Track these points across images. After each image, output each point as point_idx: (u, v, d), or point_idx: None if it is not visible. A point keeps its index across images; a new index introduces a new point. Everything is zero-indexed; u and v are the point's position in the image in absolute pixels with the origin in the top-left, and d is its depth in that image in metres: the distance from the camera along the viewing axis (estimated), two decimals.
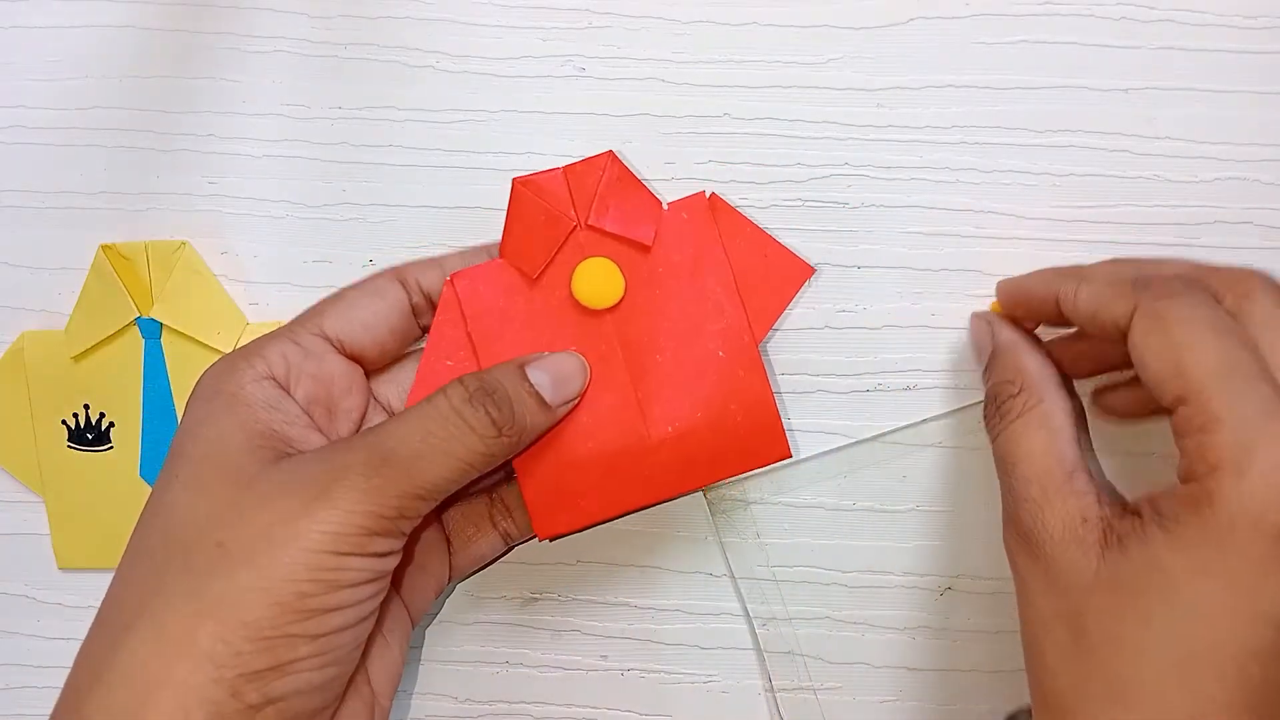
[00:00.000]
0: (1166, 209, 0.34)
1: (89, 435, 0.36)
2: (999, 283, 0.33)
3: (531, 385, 0.29)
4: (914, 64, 0.35)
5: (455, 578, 0.34)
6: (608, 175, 0.31)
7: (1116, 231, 0.35)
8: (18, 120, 0.36)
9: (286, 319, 0.35)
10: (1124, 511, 0.26)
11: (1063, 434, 0.28)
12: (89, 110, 0.36)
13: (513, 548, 0.34)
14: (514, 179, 0.31)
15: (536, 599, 0.36)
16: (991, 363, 0.31)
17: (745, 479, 0.35)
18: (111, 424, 0.36)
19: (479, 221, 0.35)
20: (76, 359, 0.36)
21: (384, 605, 0.29)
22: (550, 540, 0.34)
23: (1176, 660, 0.24)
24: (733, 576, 0.35)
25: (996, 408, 0.29)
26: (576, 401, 0.31)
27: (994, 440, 0.29)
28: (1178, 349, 0.25)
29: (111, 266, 0.35)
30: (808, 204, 0.35)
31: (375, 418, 0.32)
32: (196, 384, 0.29)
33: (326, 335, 0.30)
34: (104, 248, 0.35)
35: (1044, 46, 0.35)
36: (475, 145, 0.35)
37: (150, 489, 0.35)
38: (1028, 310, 0.32)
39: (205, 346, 0.35)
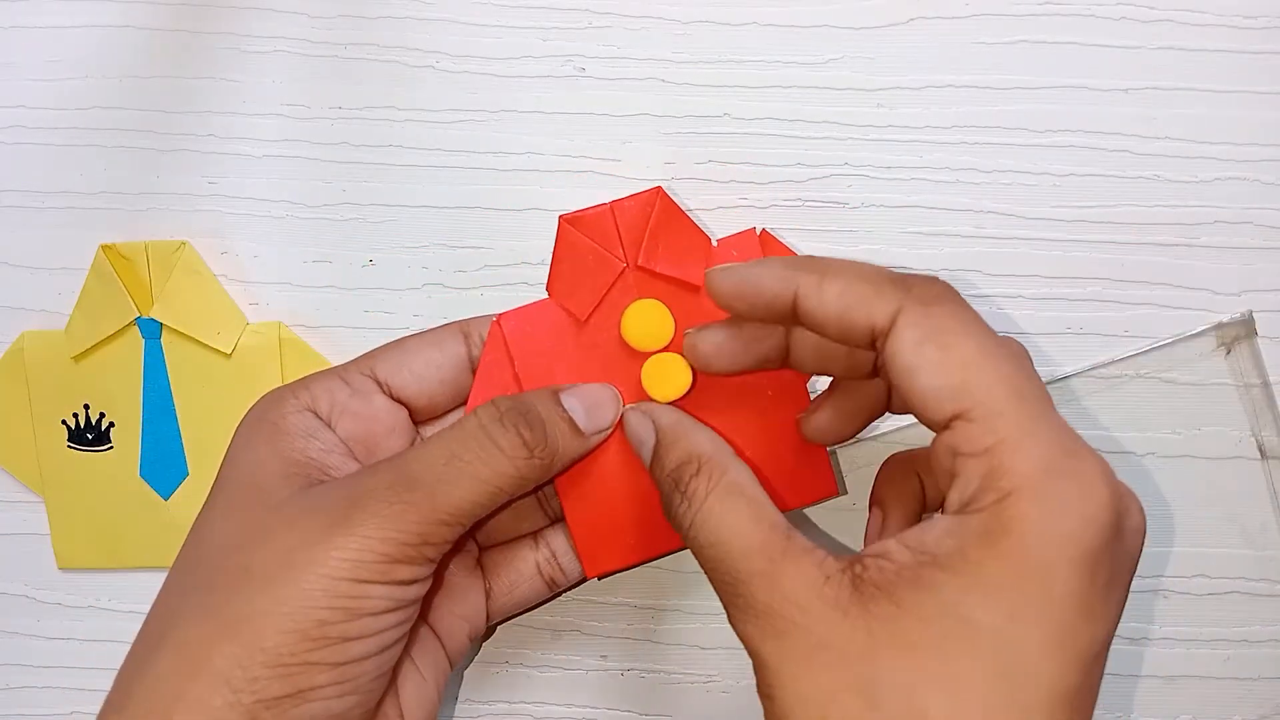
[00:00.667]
0: (1166, 209, 0.34)
1: (89, 435, 0.36)
2: (711, 272, 0.28)
3: (565, 410, 0.29)
4: (914, 64, 0.35)
5: (495, 619, 0.32)
6: (657, 213, 0.31)
7: (1116, 231, 0.35)
8: (18, 120, 0.36)
9: (286, 319, 0.36)
10: (861, 561, 0.23)
11: (761, 499, 0.25)
12: (89, 110, 0.36)
13: (559, 594, 0.33)
14: (560, 217, 0.31)
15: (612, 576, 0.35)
16: (658, 452, 0.28)
17: None
18: (111, 424, 0.36)
19: (479, 221, 0.35)
20: (76, 359, 0.36)
21: (415, 635, 0.29)
22: (599, 579, 0.33)
23: (990, 713, 0.21)
24: None
25: (681, 493, 0.26)
26: (609, 432, 0.30)
27: (688, 531, 0.26)
28: (961, 362, 0.23)
29: (111, 266, 0.35)
30: (808, 204, 0.35)
31: None
32: (246, 413, 0.29)
33: (376, 377, 0.30)
34: (104, 248, 0.35)
35: (1044, 46, 0.34)
36: (475, 145, 0.35)
37: (150, 489, 0.36)
38: (752, 306, 0.27)
39: (205, 346, 0.35)
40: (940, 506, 0.28)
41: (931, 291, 0.24)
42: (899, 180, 0.35)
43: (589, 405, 0.30)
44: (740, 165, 0.35)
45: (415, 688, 0.29)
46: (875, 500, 0.30)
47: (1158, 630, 0.35)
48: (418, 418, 0.31)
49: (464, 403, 0.31)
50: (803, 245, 0.35)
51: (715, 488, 0.26)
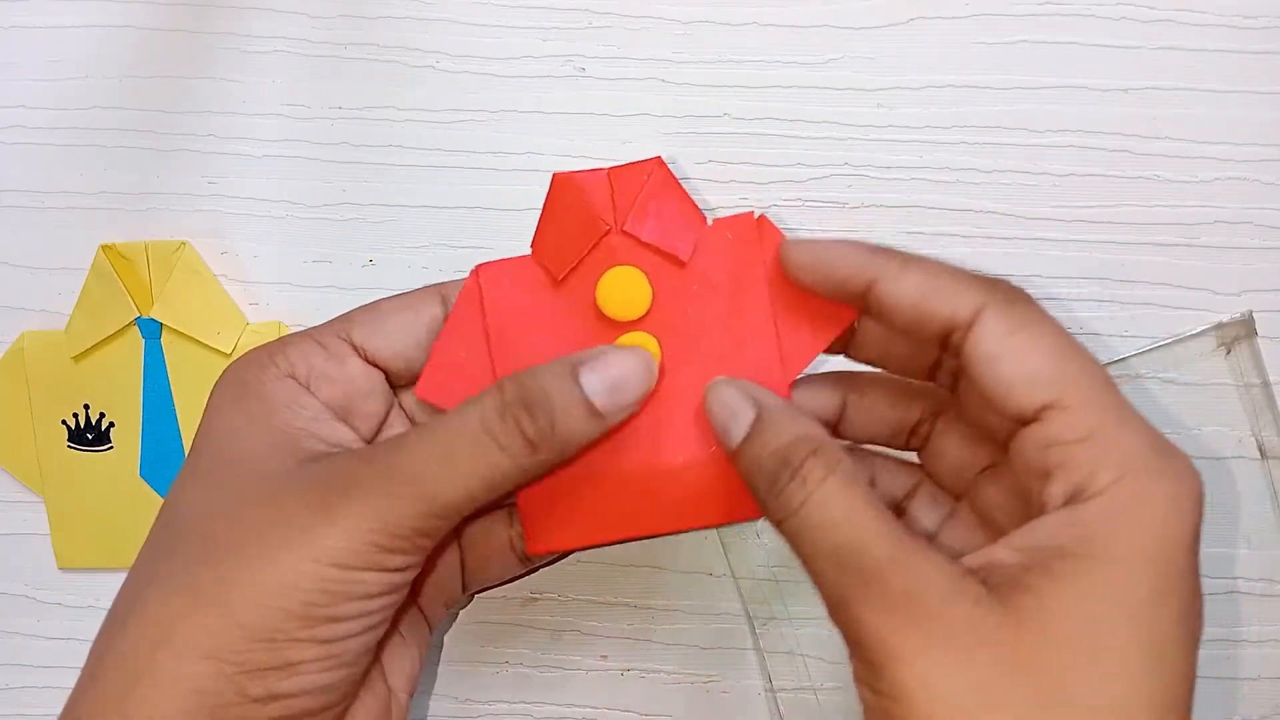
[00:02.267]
0: (1166, 209, 0.34)
1: (89, 435, 0.36)
2: (787, 242, 0.27)
3: (583, 391, 0.26)
4: (914, 64, 0.35)
5: (472, 590, 0.32)
6: (652, 181, 0.29)
7: (1116, 231, 0.35)
8: (18, 120, 0.36)
9: (286, 319, 0.36)
10: (977, 570, 0.23)
11: (871, 492, 0.24)
12: (89, 110, 0.36)
13: (536, 569, 0.33)
14: (555, 174, 0.29)
15: (536, 599, 0.35)
16: (761, 428, 0.26)
17: None
18: (111, 424, 0.36)
19: (479, 221, 0.35)
20: (76, 359, 0.36)
21: (401, 606, 0.29)
22: (541, 558, 0.32)
23: (1147, 692, 0.21)
24: (733, 576, 0.35)
25: (792, 473, 0.24)
26: (633, 410, 0.28)
27: (796, 515, 0.24)
28: (1051, 352, 0.23)
29: (111, 266, 0.35)
30: (808, 204, 0.35)
31: (396, 424, 0.30)
32: (219, 379, 0.28)
33: (352, 341, 0.29)
34: (104, 248, 0.35)
35: (1044, 46, 0.34)
36: (475, 145, 0.35)
37: (150, 489, 0.36)
38: (826, 280, 0.27)
39: (205, 346, 0.35)
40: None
41: (1014, 291, 0.25)
42: (899, 180, 0.35)
43: (613, 383, 0.27)
44: (740, 165, 0.35)
45: (398, 653, 0.29)
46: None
47: None
48: (394, 381, 0.30)
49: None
50: None
51: (834, 471, 0.24)
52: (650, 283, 0.29)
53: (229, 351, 0.35)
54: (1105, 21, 0.34)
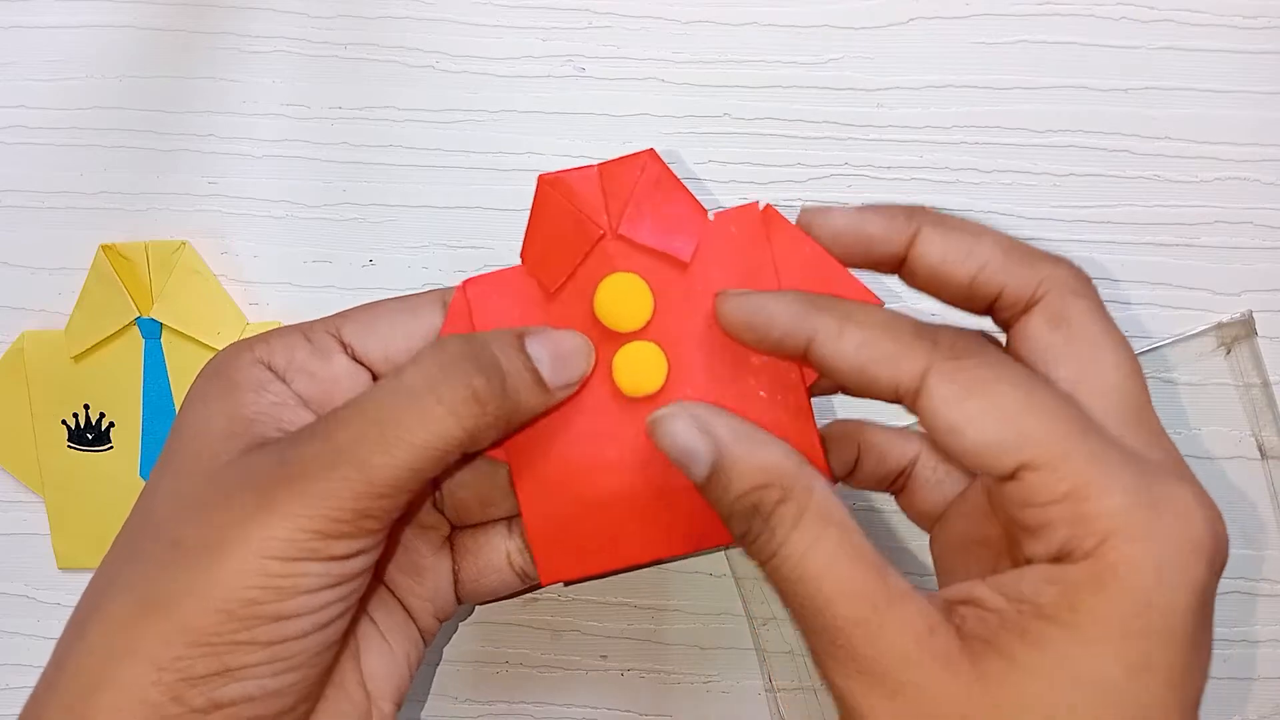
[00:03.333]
0: (1166, 209, 0.34)
1: (89, 435, 0.36)
2: (722, 295, 0.26)
3: (529, 358, 0.25)
4: (914, 64, 0.35)
5: (467, 603, 0.31)
6: (645, 177, 0.27)
7: (1116, 231, 0.35)
8: (18, 120, 0.36)
9: (286, 319, 0.36)
10: (956, 610, 0.22)
11: (851, 527, 0.23)
12: (89, 110, 0.36)
13: (535, 588, 0.31)
14: (540, 176, 0.27)
15: (536, 599, 0.35)
16: (722, 470, 0.24)
17: None
18: (111, 424, 0.36)
19: (479, 221, 0.35)
20: (76, 359, 0.36)
21: (381, 605, 0.28)
22: (566, 585, 0.31)
23: None
24: (733, 576, 0.35)
25: (764, 520, 0.23)
26: (575, 387, 0.27)
27: (770, 562, 0.23)
28: (1010, 412, 0.22)
29: (111, 266, 0.35)
30: (807, 204, 0.35)
31: None
32: (204, 366, 0.27)
33: (341, 337, 0.27)
34: (104, 248, 0.35)
35: (1044, 46, 0.34)
36: (475, 145, 0.35)
37: None
38: (762, 341, 0.25)
39: (205, 346, 0.35)
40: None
41: (960, 343, 0.23)
42: (899, 180, 0.35)
43: (557, 354, 0.26)
44: (740, 165, 0.35)
45: (381, 658, 0.27)
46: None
47: None
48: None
49: None
50: None
51: (804, 515, 0.23)
52: (651, 288, 0.27)
53: None
54: (1105, 21, 0.34)
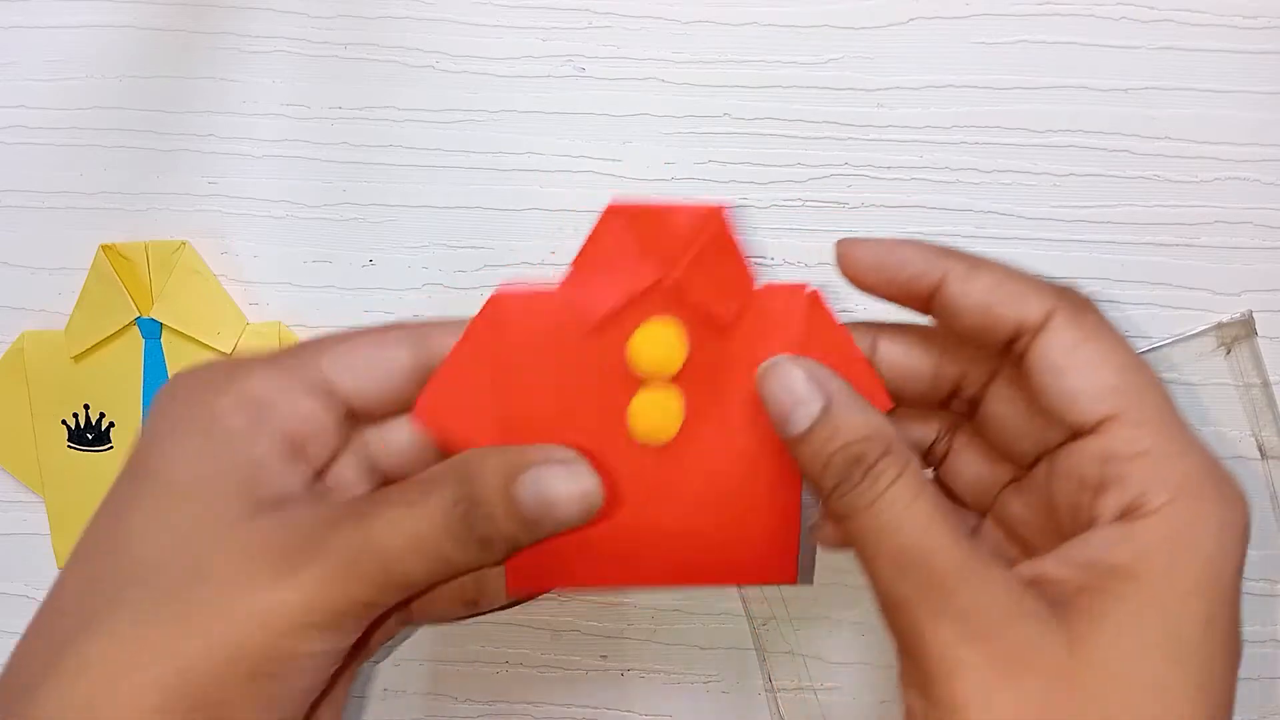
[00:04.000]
0: (1166, 209, 0.34)
1: (89, 435, 0.36)
2: (847, 242, 0.26)
3: (518, 501, 0.25)
4: (914, 64, 0.35)
5: (411, 624, 0.31)
6: (710, 233, 0.26)
7: (1116, 231, 0.35)
8: (18, 120, 0.36)
9: (286, 319, 0.36)
10: (1037, 570, 0.23)
11: (939, 497, 0.24)
12: (89, 110, 0.36)
13: (478, 614, 0.30)
14: (611, 204, 0.26)
15: (537, 599, 0.36)
16: (829, 419, 0.25)
17: None
18: (111, 424, 0.36)
19: (479, 221, 0.35)
20: (76, 359, 0.36)
21: None
22: (518, 598, 0.30)
23: None
24: None
25: (864, 472, 0.24)
26: (575, 524, 0.25)
27: (864, 514, 0.23)
28: (1117, 366, 0.23)
29: (111, 266, 0.35)
30: (808, 204, 0.35)
31: (347, 464, 0.28)
32: (165, 390, 0.26)
33: (320, 369, 0.27)
34: (104, 248, 0.35)
35: (1044, 46, 0.34)
36: (475, 145, 0.35)
37: None
38: (890, 284, 0.26)
39: (205, 346, 0.35)
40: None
41: (1082, 298, 0.25)
42: (899, 180, 0.35)
43: (543, 500, 0.25)
44: (740, 165, 0.35)
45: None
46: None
47: None
48: (357, 418, 0.28)
49: (410, 408, 0.27)
50: (802, 245, 0.35)
51: (905, 471, 0.23)
52: (685, 338, 0.27)
53: (229, 351, 0.35)
54: (1105, 21, 0.34)
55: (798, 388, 0.25)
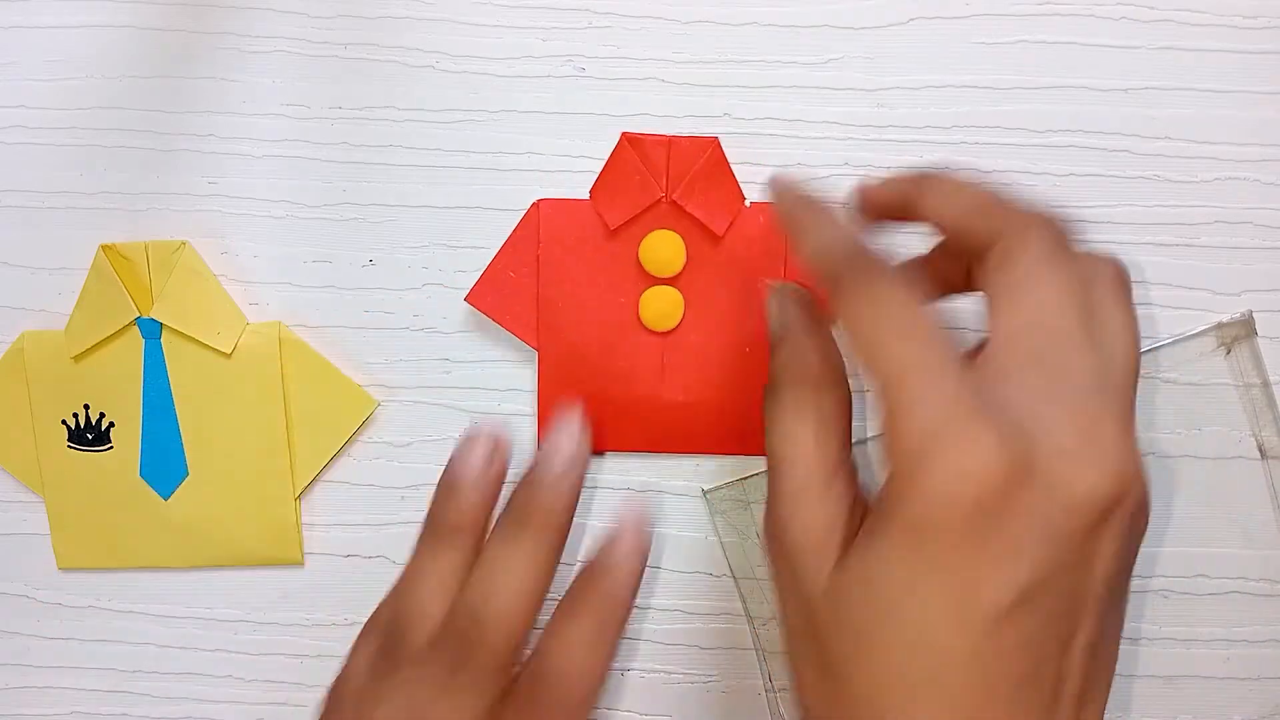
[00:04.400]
0: (1166, 209, 0.34)
1: (89, 435, 0.36)
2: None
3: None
4: (914, 64, 0.35)
5: None
6: (706, 160, 0.34)
7: (1116, 231, 0.35)
8: (18, 120, 0.36)
9: (286, 319, 0.36)
10: (861, 505, 0.25)
11: (831, 427, 0.26)
12: (89, 110, 0.36)
13: None
14: (624, 134, 0.34)
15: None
16: (776, 345, 0.29)
17: (745, 478, 0.35)
18: (111, 424, 0.36)
19: (479, 221, 0.35)
20: (76, 359, 0.36)
21: None
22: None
23: (907, 686, 0.22)
24: (733, 576, 0.35)
25: (773, 391, 0.28)
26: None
27: (766, 425, 0.28)
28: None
29: (111, 266, 0.35)
30: None
31: None
32: None
33: None
34: (104, 248, 0.35)
35: (1044, 46, 0.34)
36: (475, 145, 0.35)
37: (150, 489, 0.35)
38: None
39: (205, 347, 0.35)
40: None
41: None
42: None
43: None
44: (740, 165, 0.35)
45: None
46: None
47: (1157, 630, 0.35)
48: None
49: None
50: None
51: (799, 402, 0.27)
52: (685, 247, 0.34)
53: (229, 351, 0.35)
54: (1105, 21, 0.34)
55: (771, 312, 0.30)
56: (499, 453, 0.32)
